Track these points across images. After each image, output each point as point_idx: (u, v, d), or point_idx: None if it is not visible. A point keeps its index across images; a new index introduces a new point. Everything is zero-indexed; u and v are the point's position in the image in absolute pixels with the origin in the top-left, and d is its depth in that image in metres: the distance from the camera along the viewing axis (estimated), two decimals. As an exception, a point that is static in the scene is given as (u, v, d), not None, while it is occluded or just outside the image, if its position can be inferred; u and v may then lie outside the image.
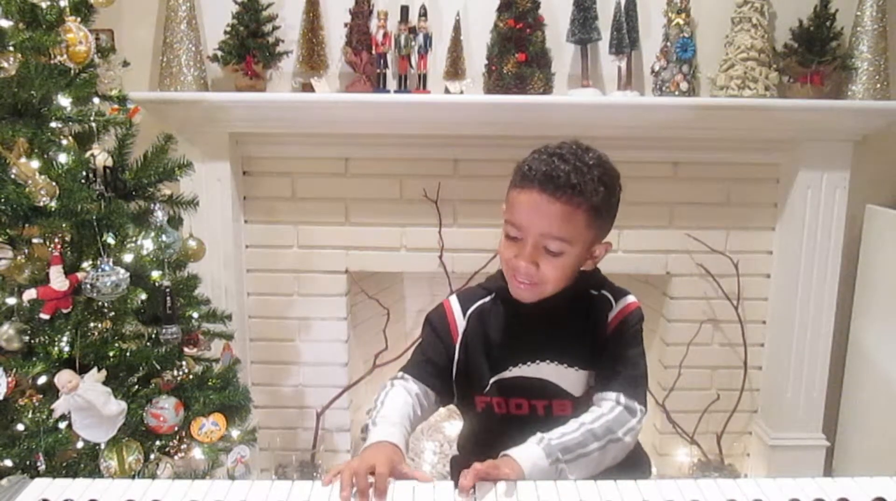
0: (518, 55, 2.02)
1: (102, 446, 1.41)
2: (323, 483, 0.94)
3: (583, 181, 1.08)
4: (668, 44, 2.07)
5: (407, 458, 1.04)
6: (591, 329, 1.20)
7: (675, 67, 2.06)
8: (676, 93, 2.06)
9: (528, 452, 1.02)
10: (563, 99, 2.10)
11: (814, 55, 2.05)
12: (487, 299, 1.26)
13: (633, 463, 1.29)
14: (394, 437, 1.05)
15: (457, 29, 2.09)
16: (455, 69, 2.10)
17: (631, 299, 1.23)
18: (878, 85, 2.07)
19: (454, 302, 1.27)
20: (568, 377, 1.19)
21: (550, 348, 1.19)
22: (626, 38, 2.05)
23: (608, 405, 1.13)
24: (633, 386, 1.16)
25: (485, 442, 1.17)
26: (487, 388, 1.21)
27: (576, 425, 1.09)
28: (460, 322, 1.24)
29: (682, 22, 2.05)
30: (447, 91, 2.09)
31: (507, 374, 1.21)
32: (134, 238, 1.50)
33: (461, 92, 2.08)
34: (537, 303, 1.17)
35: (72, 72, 1.43)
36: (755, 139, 2.14)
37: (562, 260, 1.11)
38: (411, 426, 1.13)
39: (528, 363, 1.20)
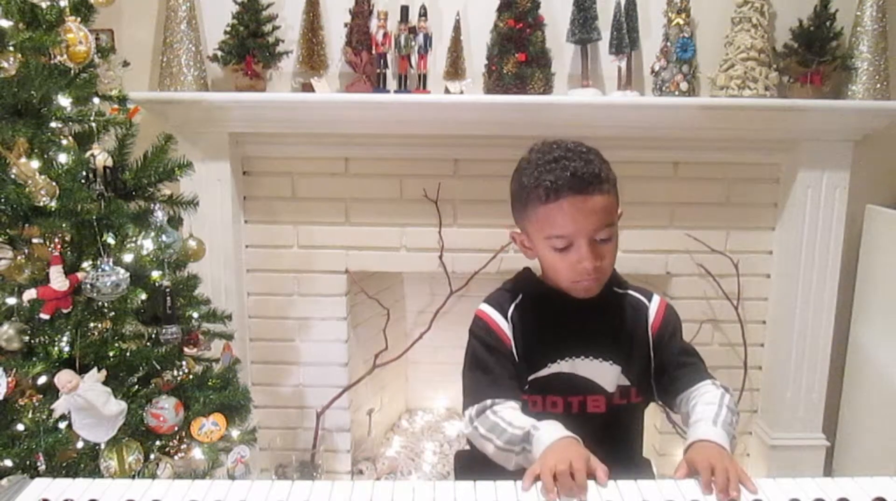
0: (518, 55, 2.02)
1: (102, 446, 1.41)
2: (524, 489, 0.94)
3: (599, 167, 1.15)
4: (668, 44, 2.07)
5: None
6: (629, 328, 1.25)
7: (675, 67, 2.06)
8: (676, 93, 2.06)
9: (719, 435, 1.06)
10: (563, 99, 2.10)
11: (814, 55, 2.05)
12: (518, 300, 1.27)
13: (634, 464, 1.29)
14: (567, 431, 1.05)
15: (457, 29, 2.09)
16: (455, 69, 2.10)
17: (658, 296, 1.30)
18: (878, 85, 2.06)
19: (490, 311, 1.26)
20: (603, 372, 1.22)
21: (585, 343, 1.22)
22: (626, 38, 2.05)
23: (718, 390, 1.19)
24: (708, 370, 1.26)
25: None
26: (527, 386, 1.23)
27: (715, 407, 1.13)
28: (506, 327, 1.24)
29: (682, 22, 2.05)
30: (447, 91, 2.08)
31: (545, 372, 1.22)
32: (134, 238, 1.50)
33: (461, 92, 2.08)
34: (569, 301, 1.21)
35: (72, 72, 1.43)
36: (755, 139, 2.14)
37: (613, 243, 1.18)
38: None
39: (567, 358, 1.22)
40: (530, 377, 1.23)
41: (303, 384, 2.35)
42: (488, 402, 1.18)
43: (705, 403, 1.15)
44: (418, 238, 2.24)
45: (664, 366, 1.25)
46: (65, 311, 1.39)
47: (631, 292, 1.29)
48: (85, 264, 1.42)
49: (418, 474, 2.41)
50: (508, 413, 1.15)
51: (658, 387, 1.27)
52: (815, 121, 2.06)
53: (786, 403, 2.27)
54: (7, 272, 1.37)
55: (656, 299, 1.30)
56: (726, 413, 1.12)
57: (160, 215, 1.56)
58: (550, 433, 1.04)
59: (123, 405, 1.41)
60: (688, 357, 1.26)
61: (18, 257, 1.38)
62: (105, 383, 1.40)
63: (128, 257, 1.47)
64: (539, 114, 2.02)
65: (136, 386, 1.52)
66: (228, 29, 2.06)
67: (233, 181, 2.14)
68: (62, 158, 1.39)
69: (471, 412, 1.20)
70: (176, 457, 1.57)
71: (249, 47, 2.03)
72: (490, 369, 1.22)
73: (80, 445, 1.41)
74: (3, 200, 1.29)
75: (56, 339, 1.38)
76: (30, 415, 1.36)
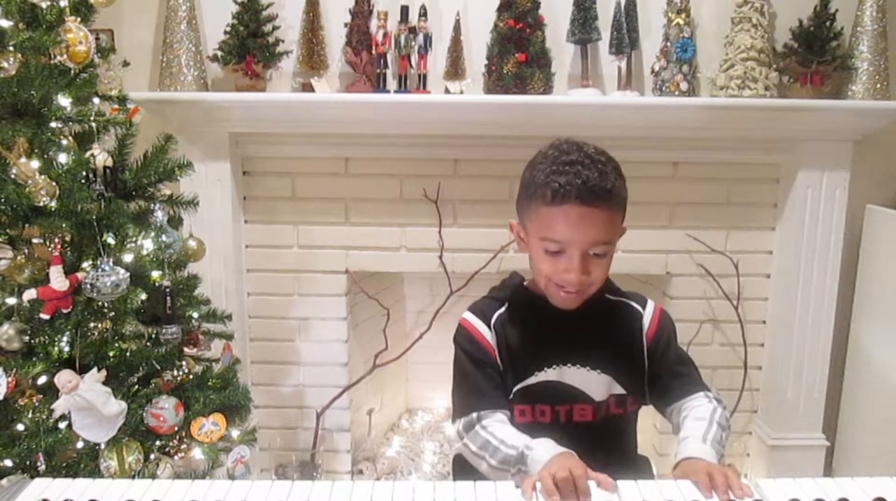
0: (518, 55, 2.02)
1: (102, 446, 1.41)
2: (526, 497, 0.93)
3: (612, 183, 1.11)
4: (668, 44, 2.07)
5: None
6: (623, 336, 1.24)
7: (675, 67, 2.06)
8: (676, 93, 2.06)
9: (708, 453, 1.05)
10: (563, 99, 2.10)
11: (814, 55, 2.05)
12: (503, 309, 1.25)
13: (631, 464, 1.29)
14: (561, 447, 1.05)
15: (457, 29, 2.09)
16: (455, 69, 2.10)
17: (652, 302, 1.28)
18: (878, 85, 2.06)
19: (474, 320, 1.25)
20: (589, 381, 1.21)
21: (573, 352, 1.21)
22: (626, 38, 2.05)
23: (710, 404, 1.18)
24: (702, 380, 1.24)
25: None
26: (511, 396, 1.22)
27: (705, 423, 1.12)
28: (489, 336, 1.23)
29: (682, 22, 2.05)
30: (447, 91, 2.08)
31: (532, 380, 1.21)
32: (134, 238, 1.50)
33: (461, 92, 2.08)
34: (558, 308, 1.19)
35: (72, 72, 1.43)
36: (755, 139, 2.14)
37: (606, 260, 1.15)
38: None
39: (554, 366, 1.21)
40: (518, 386, 1.21)
41: (303, 384, 2.35)
42: (474, 416, 1.18)
43: (695, 418, 1.14)
44: (418, 238, 2.24)
45: (658, 374, 1.24)
46: (65, 311, 1.39)
47: (624, 299, 1.27)
48: (85, 264, 1.42)
49: (418, 474, 2.41)
50: (499, 430, 1.14)
51: (651, 393, 1.26)
52: (815, 121, 2.06)
53: (786, 403, 2.27)
54: (7, 272, 1.37)
55: (650, 305, 1.28)
56: (716, 430, 1.11)
57: (160, 215, 1.56)
58: (546, 450, 1.04)
59: (123, 405, 1.41)
60: (682, 367, 1.25)
61: (18, 257, 1.38)
62: (105, 383, 1.40)
63: (128, 257, 1.47)
64: (539, 114, 2.02)
65: (136, 386, 1.52)
66: (228, 29, 2.06)
67: (233, 181, 2.14)
68: (62, 158, 1.39)
69: (458, 427, 1.20)
70: (176, 457, 1.57)
71: (249, 47, 2.03)
72: (475, 381, 1.21)
73: (80, 445, 1.41)
74: (3, 200, 1.29)
75: (56, 339, 1.38)
76: (30, 415, 1.36)
